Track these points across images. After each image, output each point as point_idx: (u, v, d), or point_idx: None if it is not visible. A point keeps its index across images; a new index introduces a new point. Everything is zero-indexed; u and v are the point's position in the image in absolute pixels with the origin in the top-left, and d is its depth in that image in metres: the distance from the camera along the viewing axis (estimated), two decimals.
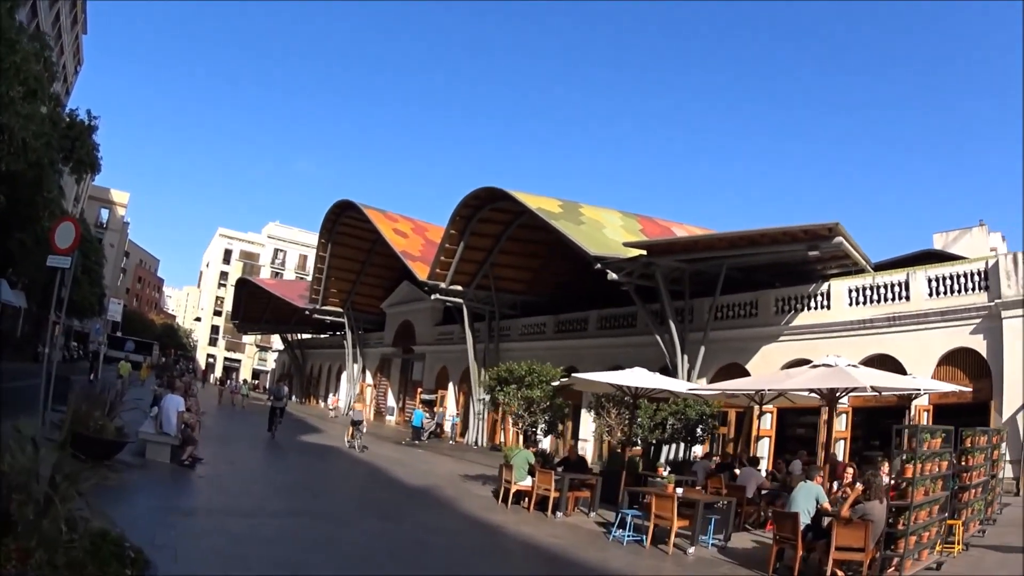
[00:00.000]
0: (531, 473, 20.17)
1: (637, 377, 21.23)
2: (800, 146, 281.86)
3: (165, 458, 19.00)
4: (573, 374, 24.16)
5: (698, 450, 28.61)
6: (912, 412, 22.18)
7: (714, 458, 25.53)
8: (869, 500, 12.97)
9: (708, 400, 24.39)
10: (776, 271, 30.86)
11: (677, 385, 23.07)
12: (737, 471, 22.07)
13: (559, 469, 20.55)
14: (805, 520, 13.62)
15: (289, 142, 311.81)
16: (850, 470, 17.15)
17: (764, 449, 28.26)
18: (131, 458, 18.16)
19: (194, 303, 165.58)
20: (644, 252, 29.65)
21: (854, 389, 17.23)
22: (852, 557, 12.83)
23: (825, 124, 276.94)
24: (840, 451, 25.33)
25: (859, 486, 13.79)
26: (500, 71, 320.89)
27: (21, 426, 5.78)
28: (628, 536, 16.00)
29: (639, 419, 24.52)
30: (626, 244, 31.08)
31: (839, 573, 12.93)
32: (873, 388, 16.84)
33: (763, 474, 21.68)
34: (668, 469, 24.30)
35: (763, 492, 20.14)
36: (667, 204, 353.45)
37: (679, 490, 16.31)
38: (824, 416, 25.18)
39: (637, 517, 16.41)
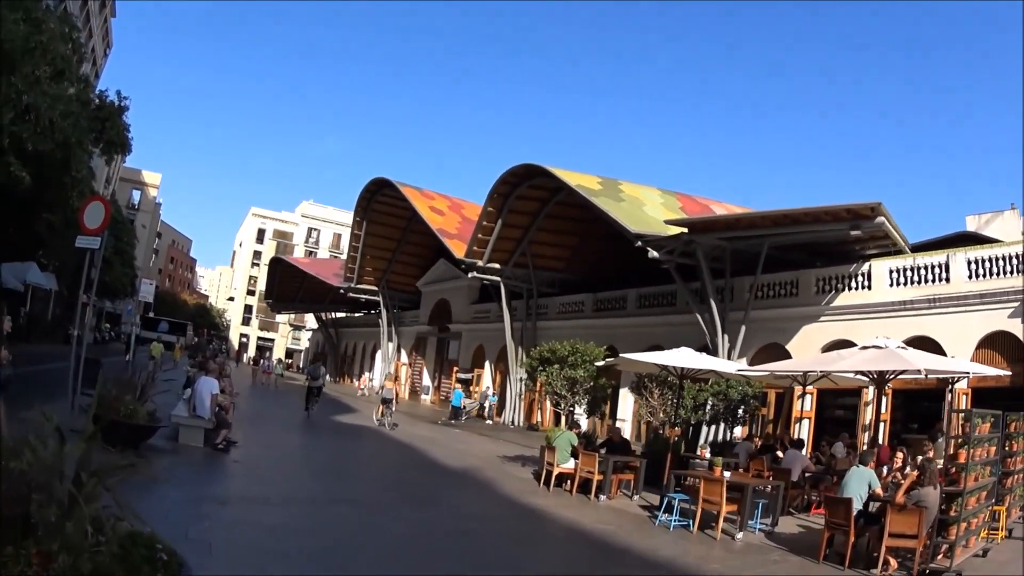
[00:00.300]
0: (574, 455, 19.81)
1: (684, 357, 20.78)
2: (830, 124, 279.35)
3: (199, 442, 18.53)
4: (621, 354, 23.79)
5: (737, 431, 28.42)
6: (951, 396, 21.80)
7: (755, 440, 25.19)
8: (924, 486, 12.68)
9: (751, 380, 23.90)
10: (813, 251, 30.46)
11: (725, 365, 22.62)
12: (780, 453, 21.94)
13: (602, 451, 20.13)
14: (858, 506, 13.32)
15: (319, 121, 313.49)
16: (900, 455, 16.78)
17: (804, 431, 27.89)
18: (164, 442, 17.85)
19: (227, 283, 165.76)
20: (685, 230, 29.16)
21: (903, 372, 16.86)
22: (905, 544, 12.56)
23: (857, 102, 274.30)
24: (880, 434, 24.60)
25: (914, 471, 13.47)
26: (531, 46, 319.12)
27: (48, 414, 5.45)
28: (675, 521, 15.66)
29: (683, 400, 24.02)
30: (668, 222, 30.62)
31: (891, 560, 12.66)
32: (927, 371, 16.46)
33: (807, 457, 21.18)
34: (709, 451, 23.97)
35: (807, 475, 19.80)
36: (699, 182, 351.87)
37: (727, 473, 16.01)
38: (866, 398, 25.79)
39: (684, 501, 16.02)
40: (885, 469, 16.73)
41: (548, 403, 41.82)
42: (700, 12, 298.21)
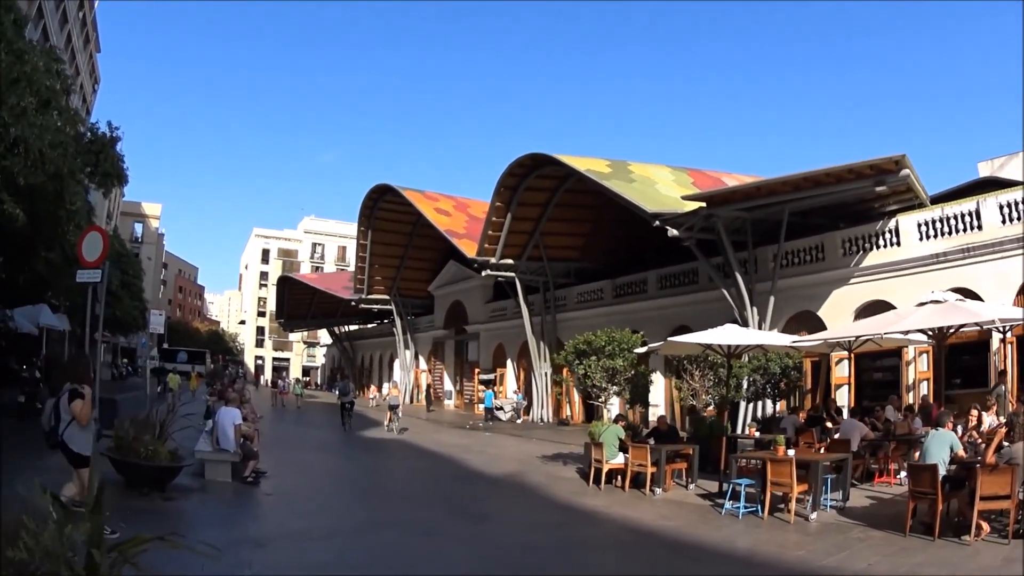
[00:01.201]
0: (622, 449, 18.93)
1: (731, 334, 19.83)
2: (819, 79, 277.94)
3: (226, 476, 17.41)
4: (669, 338, 22.65)
5: (770, 405, 27.95)
6: (1003, 346, 21.26)
7: (800, 412, 24.10)
8: (1014, 442, 11.81)
9: (789, 352, 23.17)
10: (832, 213, 29.57)
11: (775, 338, 21.65)
12: (828, 424, 21.37)
13: (651, 442, 19.28)
14: (942, 471, 12.40)
15: (313, 134, 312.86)
16: (974, 412, 15.93)
17: (844, 397, 27.05)
18: (190, 480, 16.78)
19: (236, 306, 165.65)
20: (703, 204, 28.22)
21: (967, 325, 15.90)
22: (997, 506, 11.81)
23: (846, 53, 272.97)
24: (923, 392, 24.45)
25: (1002, 428, 12.57)
26: (517, 38, 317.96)
27: (42, 488, 4.48)
28: (742, 508, 14.73)
29: (728, 379, 23.06)
30: (685, 197, 29.56)
31: (983, 524, 11.81)
32: (1001, 321, 15.54)
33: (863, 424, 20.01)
34: (758, 428, 23.03)
35: (864, 443, 18.93)
36: (697, 157, 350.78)
37: (790, 451, 15.18)
38: (906, 357, 25.22)
39: (749, 486, 15.10)
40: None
41: (578, 396, 41.28)
42: None
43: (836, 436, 19.36)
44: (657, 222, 29.40)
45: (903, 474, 17.18)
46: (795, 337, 22.08)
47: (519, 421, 45.23)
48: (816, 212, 29.27)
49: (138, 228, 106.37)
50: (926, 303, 16.44)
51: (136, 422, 15.56)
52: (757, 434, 21.14)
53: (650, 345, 22.91)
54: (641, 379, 24.95)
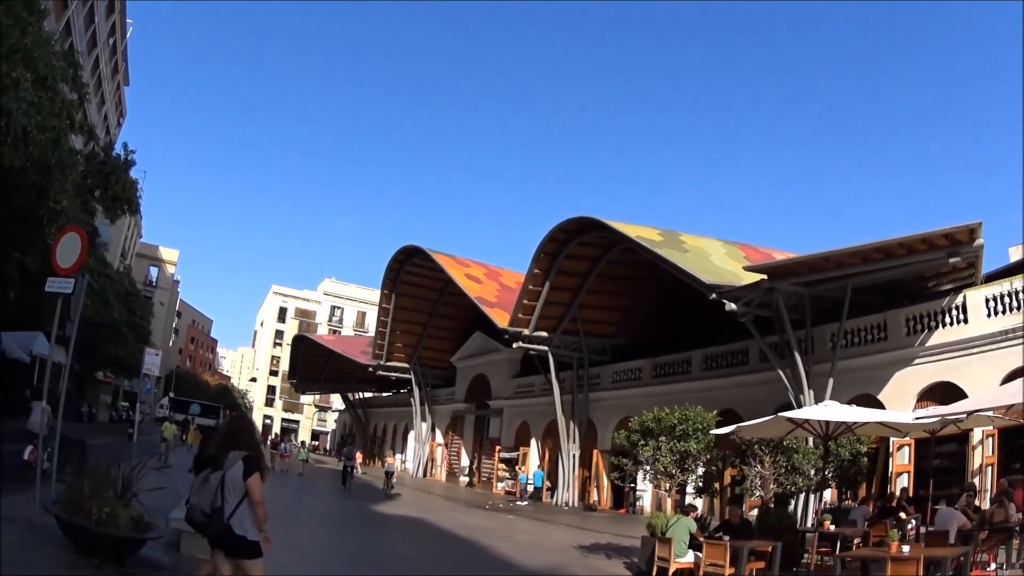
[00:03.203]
0: (693, 546, 16.44)
1: (834, 412, 17.11)
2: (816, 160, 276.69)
3: (207, 553, 13.80)
4: (780, 413, 20.01)
5: (827, 495, 25.87)
6: None
7: (870, 502, 22.81)
8: None
9: (860, 437, 21.00)
10: (885, 291, 27.98)
11: (887, 416, 18.93)
12: (902, 515, 19.69)
13: (725, 538, 16.55)
14: None
15: (336, 196, 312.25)
16: None
17: (902, 486, 24.89)
18: (162, 553, 13.18)
19: (249, 364, 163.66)
20: (764, 277, 26.22)
21: None
22: None
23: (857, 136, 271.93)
24: (988, 478, 22.61)
25: None
26: (539, 103, 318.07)
27: None
28: None
29: (797, 463, 20.67)
30: (747, 268, 27.68)
31: None
32: None
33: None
34: (820, 519, 20.45)
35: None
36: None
37: (904, 548, 13.40)
38: (972, 442, 23.39)
39: None
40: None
41: (607, 481, 38.65)
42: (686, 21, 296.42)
43: (931, 528, 17.04)
44: (714, 295, 27.32)
45: (993, 567, 15.82)
46: (922, 412, 19.79)
47: (524, 503, 42.19)
48: (869, 291, 27.55)
49: (153, 272, 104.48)
50: None
51: (94, 474, 12.35)
52: (832, 527, 18.52)
53: (734, 426, 20.15)
54: (715, 464, 22.24)
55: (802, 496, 24.73)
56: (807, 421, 17.43)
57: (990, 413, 16.91)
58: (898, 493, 23.10)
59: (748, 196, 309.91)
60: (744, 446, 21.15)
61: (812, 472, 21.00)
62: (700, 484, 22.48)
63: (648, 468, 21.72)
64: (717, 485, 24.14)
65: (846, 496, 25.92)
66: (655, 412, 21.69)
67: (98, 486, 11.76)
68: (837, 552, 16.34)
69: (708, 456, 21.25)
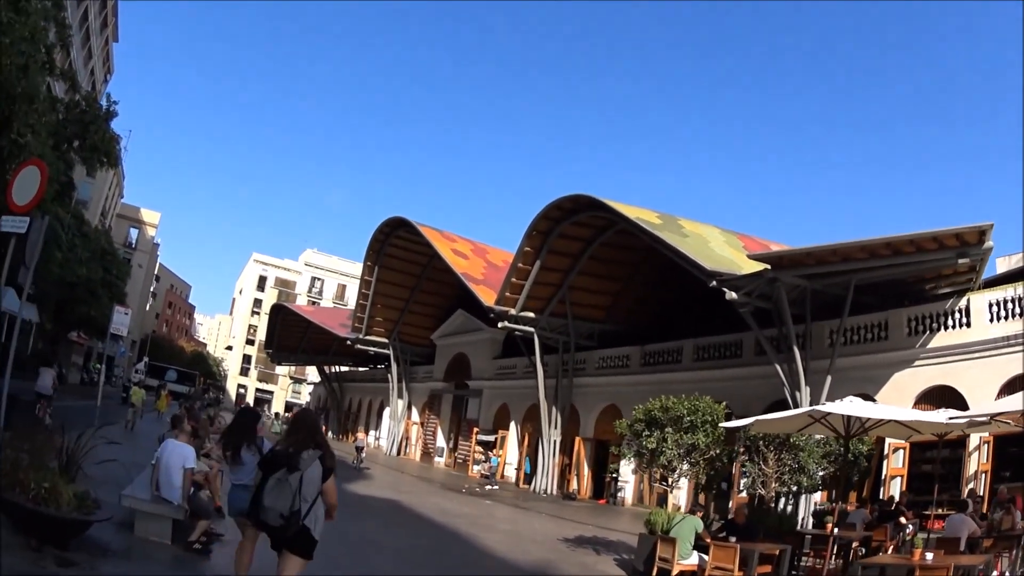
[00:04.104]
0: (698, 547, 15.50)
1: (859, 408, 15.92)
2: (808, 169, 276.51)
3: (165, 537, 12.05)
4: (803, 408, 18.91)
5: (816, 497, 25.34)
6: None
7: (869, 506, 21.77)
8: None
9: (863, 438, 20.03)
10: (884, 291, 27.83)
11: (931, 416, 17.75)
12: (902, 519, 19.44)
13: (731, 539, 15.65)
14: None
15: (322, 168, 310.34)
16: None
17: (896, 490, 24.73)
18: (112, 534, 11.36)
19: (226, 332, 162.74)
20: (768, 267, 25.43)
21: None
22: None
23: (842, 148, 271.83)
24: (982, 485, 22.33)
25: None
26: (535, 85, 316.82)
27: None
28: None
29: (804, 462, 19.66)
30: (752, 256, 26.75)
31: None
32: None
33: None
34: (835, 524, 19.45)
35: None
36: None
37: (928, 555, 12.78)
38: (969, 448, 23.15)
39: None
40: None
41: (587, 470, 37.66)
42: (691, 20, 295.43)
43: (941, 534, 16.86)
44: (714, 282, 26.46)
45: (995, 574, 15.32)
46: (955, 412, 18.80)
47: (495, 487, 40.83)
48: (867, 290, 27.06)
49: (133, 233, 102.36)
50: None
51: (33, 439, 10.86)
52: (835, 530, 17.46)
53: (753, 419, 18.97)
54: (721, 460, 21.19)
55: (790, 497, 23.90)
56: (826, 416, 16.17)
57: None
58: (897, 497, 22.79)
59: (736, 191, 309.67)
60: (748, 442, 20.19)
61: (819, 471, 20.21)
62: (705, 480, 21.48)
63: (644, 461, 20.61)
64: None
65: (835, 498, 25.10)
66: (662, 400, 20.54)
67: (39, 454, 10.37)
68: (833, 555, 16.04)
69: (718, 450, 20.18)
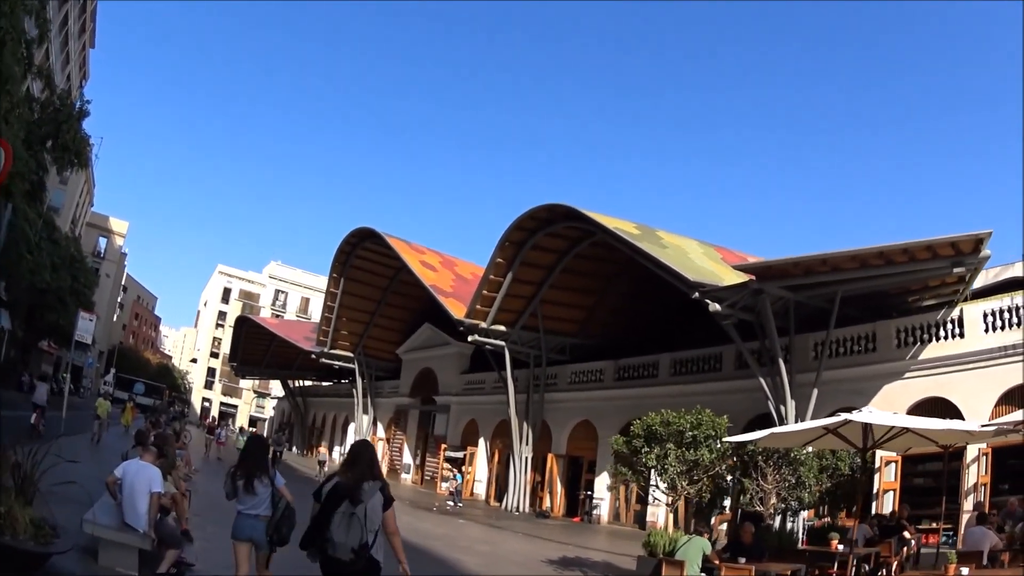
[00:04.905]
0: (704, 569, 14.69)
1: (880, 417, 15.06)
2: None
3: (131, 567, 10.84)
4: (818, 421, 18.17)
5: (803, 514, 24.14)
6: None
7: (871, 521, 20.92)
8: None
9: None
10: (868, 303, 27.55)
11: (963, 425, 17.41)
12: (906, 534, 19.15)
13: (741, 560, 14.88)
14: None
15: (289, 177, 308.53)
16: None
17: (888, 504, 24.53)
18: (75, 563, 10.26)
19: (191, 345, 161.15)
20: (752, 277, 24.95)
21: None
22: None
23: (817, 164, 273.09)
24: (982, 497, 21.87)
25: None
26: (498, 89, 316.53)
27: None
28: None
29: (805, 477, 19.30)
30: (738, 267, 26.35)
31: None
32: None
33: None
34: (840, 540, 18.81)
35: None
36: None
37: (964, 570, 12.49)
38: (967, 460, 22.84)
39: None
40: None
41: (560, 488, 36.91)
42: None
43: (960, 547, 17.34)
44: (697, 294, 25.90)
45: None
46: (986, 421, 18.44)
47: (460, 504, 39.70)
48: (851, 302, 26.61)
49: (102, 242, 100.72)
50: None
51: None
52: (840, 547, 17.10)
53: (767, 432, 18.09)
54: (723, 478, 20.71)
55: (786, 514, 23.22)
56: (843, 424, 15.28)
57: None
58: (898, 511, 22.25)
59: (708, 203, 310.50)
60: (747, 457, 19.52)
61: (818, 486, 19.99)
62: (707, 497, 20.82)
63: (642, 479, 19.87)
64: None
65: (823, 513, 24.51)
66: (663, 414, 19.90)
67: None
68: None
69: (723, 467, 19.47)
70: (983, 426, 16.29)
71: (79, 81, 67.90)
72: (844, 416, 14.82)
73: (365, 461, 7.70)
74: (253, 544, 9.34)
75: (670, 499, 19.77)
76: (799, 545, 19.66)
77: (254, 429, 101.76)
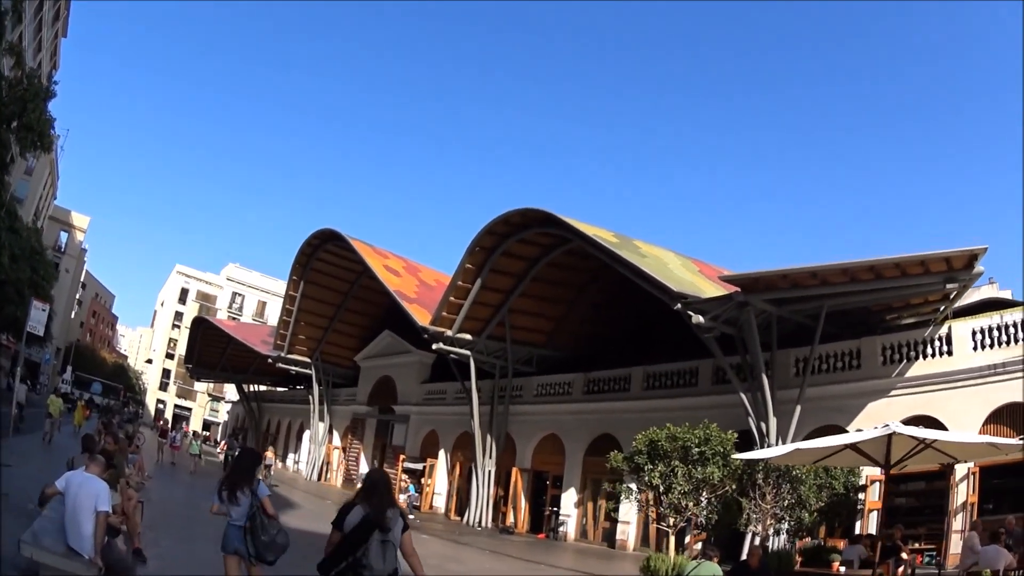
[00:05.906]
0: None
1: (908, 430, 14.25)
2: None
3: None
4: (837, 437, 17.09)
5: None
6: None
7: (865, 542, 20.36)
8: None
9: (854, 470, 20.57)
10: (848, 320, 27.40)
11: (1010, 441, 16.47)
12: (903, 555, 18.52)
13: None
14: None
15: (249, 178, 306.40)
16: None
17: (873, 525, 23.53)
18: None
19: (147, 345, 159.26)
20: (738, 289, 24.11)
21: None
22: None
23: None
24: (970, 517, 21.59)
25: None
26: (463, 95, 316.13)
27: None
28: None
29: (805, 497, 18.90)
30: (725, 278, 25.46)
31: None
32: None
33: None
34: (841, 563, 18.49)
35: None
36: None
37: None
38: (956, 479, 22.51)
39: None
40: None
41: (525, 503, 36.06)
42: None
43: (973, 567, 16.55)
44: (679, 305, 24.98)
45: None
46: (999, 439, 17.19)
47: (417, 520, 37.99)
48: (835, 317, 26.14)
49: (63, 237, 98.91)
50: None
51: None
52: (842, 569, 17.09)
53: (791, 447, 16.99)
54: (734, 497, 19.73)
55: (780, 535, 22.64)
56: (861, 441, 14.27)
57: None
58: (894, 531, 21.02)
59: (677, 213, 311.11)
60: (744, 476, 18.56)
61: (817, 505, 19.61)
62: (714, 518, 19.86)
63: (637, 496, 18.77)
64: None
65: (804, 533, 23.48)
66: (668, 429, 18.91)
67: None
68: None
69: (733, 486, 18.41)
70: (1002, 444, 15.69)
71: (49, 70, 66.35)
72: (889, 426, 14.00)
73: (384, 489, 7.96)
74: (240, 556, 9.36)
75: (673, 521, 18.70)
76: (795, 567, 18.94)
77: (207, 434, 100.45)
